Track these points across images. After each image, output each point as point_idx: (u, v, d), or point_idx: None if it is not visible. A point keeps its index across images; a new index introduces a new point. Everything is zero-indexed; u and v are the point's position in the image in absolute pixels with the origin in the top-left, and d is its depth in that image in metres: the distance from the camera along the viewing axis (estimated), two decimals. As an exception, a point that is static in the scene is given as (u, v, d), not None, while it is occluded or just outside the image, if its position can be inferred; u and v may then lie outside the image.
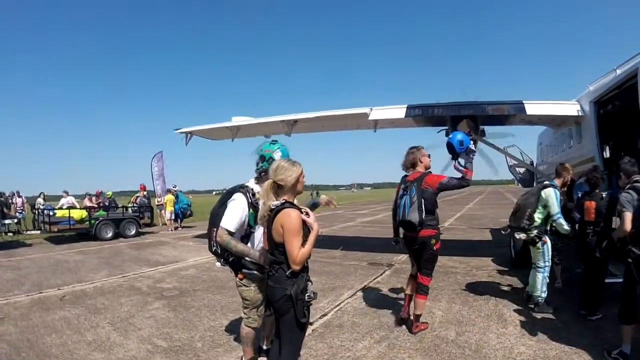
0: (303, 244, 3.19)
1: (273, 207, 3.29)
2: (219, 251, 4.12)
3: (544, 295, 6.38)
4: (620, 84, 7.71)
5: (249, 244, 4.08)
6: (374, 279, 8.80)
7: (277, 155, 4.07)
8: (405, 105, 10.13)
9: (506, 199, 44.49)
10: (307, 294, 3.26)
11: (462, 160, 5.97)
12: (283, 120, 11.71)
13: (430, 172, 5.82)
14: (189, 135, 13.50)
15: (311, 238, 3.26)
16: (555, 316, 6.18)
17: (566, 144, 10.94)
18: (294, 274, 3.22)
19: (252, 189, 4.14)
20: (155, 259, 12.15)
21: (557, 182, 6.46)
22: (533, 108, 9.47)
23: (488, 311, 6.60)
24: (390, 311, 6.63)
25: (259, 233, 4.09)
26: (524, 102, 9.47)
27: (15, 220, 17.88)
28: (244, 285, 4.18)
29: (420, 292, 5.74)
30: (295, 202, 3.42)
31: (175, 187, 22.85)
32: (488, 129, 11.30)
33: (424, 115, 10.34)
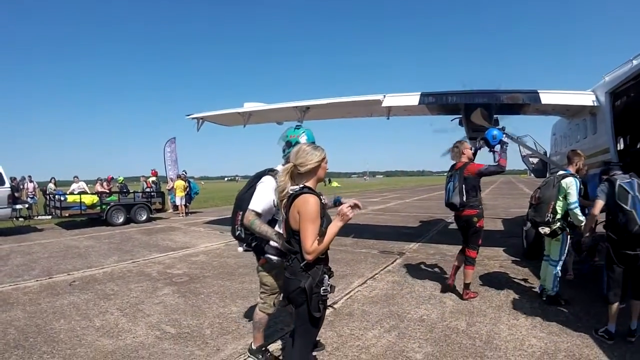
0: (323, 235, 3.01)
1: (291, 192, 3.14)
2: (243, 235, 4.10)
3: (557, 288, 6.31)
4: (637, 75, 7.60)
5: (276, 228, 4.01)
6: (385, 268, 8.74)
7: (303, 139, 4.04)
8: (419, 93, 10.04)
9: (518, 189, 44.28)
10: (323, 288, 3.08)
11: (496, 151, 7.06)
12: (296, 107, 11.63)
13: (472, 161, 6.95)
14: (201, 121, 13.44)
15: (332, 229, 3.03)
16: (566, 308, 6.11)
17: (580, 135, 10.82)
18: (308, 265, 3.05)
19: None
20: (166, 244, 12.18)
21: (571, 169, 6.36)
22: (548, 97, 9.36)
23: (499, 302, 6.54)
24: (401, 300, 6.59)
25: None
26: (539, 91, 9.35)
27: (27, 205, 17.98)
28: (265, 270, 4.16)
29: (468, 264, 6.77)
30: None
31: (185, 172, 22.87)
32: (502, 118, 11.21)
33: (438, 102, 10.30)
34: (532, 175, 14.24)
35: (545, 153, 13.29)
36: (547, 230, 6.18)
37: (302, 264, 3.05)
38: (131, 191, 19.82)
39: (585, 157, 6.65)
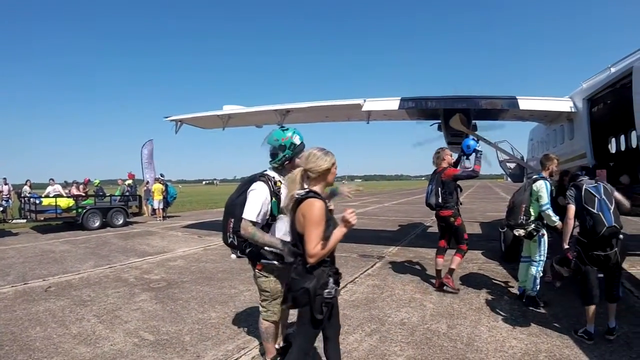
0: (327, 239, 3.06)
1: (297, 196, 3.17)
2: (236, 242, 4.03)
3: (537, 289, 6.39)
4: (615, 82, 7.79)
5: (277, 234, 3.99)
6: (365, 271, 8.73)
7: (297, 139, 3.98)
8: (399, 98, 10.12)
9: (495, 193, 44.90)
10: (327, 290, 3.11)
11: (471, 159, 7.78)
12: (275, 110, 11.59)
13: (450, 166, 7.58)
14: (179, 123, 13.27)
15: (337, 234, 3.08)
16: (546, 310, 6.20)
17: (558, 140, 11.03)
18: (313, 267, 3.10)
19: (273, 177, 4.01)
20: (143, 249, 12.02)
21: (544, 173, 6.50)
22: (526, 103, 9.55)
23: (479, 304, 6.61)
24: (382, 303, 6.59)
25: (280, 223, 4.03)
26: (517, 97, 9.53)
27: (1, 209, 17.64)
28: (263, 276, 4.09)
29: (459, 252, 7.38)
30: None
31: (162, 176, 22.67)
32: (480, 123, 11.36)
33: (417, 107, 10.40)
34: (509, 179, 14.43)
35: (522, 158, 13.47)
36: (522, 232, 6.37)
37: (307, 266, 3.08)
38: (107, 194, 19.48)
39: (562, 162, 6.75)
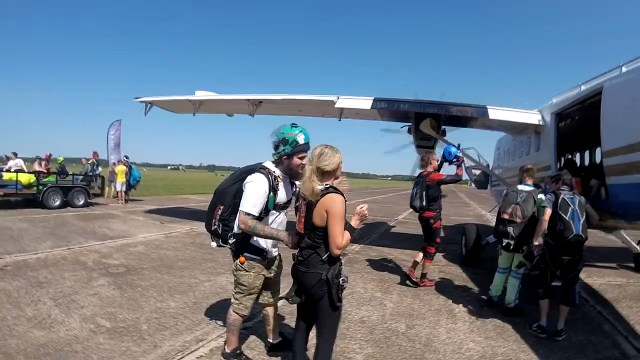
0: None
1: (317, 191, 3.27)
2: (220, 231, 4.05)
3: (517, 300, 6.48)
4: (584, 100, 7.99)
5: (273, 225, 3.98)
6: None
7: (301, 138, 3.92)
8: (372, 98, 10.19)
9: (459, 198, 45.40)
10: (342, 278, 3.35)
11: (454, 165, 8.22)
12: (248, 100, 11.51)
13: (435, 171, 8.02)
14: (149, 105, 13.01)
15: (355, 223, 3.37)
16: (503, 315, 6.32)
17: (524, 151, 11.27)
18: (331, 258, 3.30)
19: (273, 172, 3.97)
20: (103, 232, 11.80)
21: (530, 182, 6.58)
22: (496, 113, 9.77)
23: (438, 306, 6.73)
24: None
25: (272, 218, 4.02)
26: (487, 106, 9.72)
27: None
28: (244, 269, 4.05)
29: (427, 257, 7.84)
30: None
31: (127, 158, 22.32)
32: (450, 129, 11.53)
33: (389, 108, 10.52)
34: (474, 185, 14.69)
35: (488, 166, 13.72)
36: (526, 248, 6.31)
37: (324, 257, 3.30)
38: (70, 173, 18.91)
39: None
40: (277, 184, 3.94)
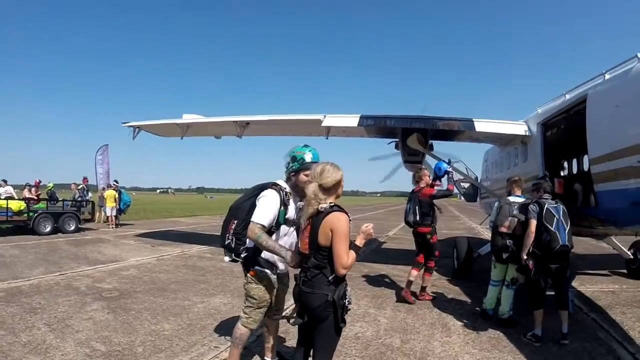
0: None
1: (321, 210, 3.26)
2: (233, 245, 4.06)
3: (511, 311, 6.55)
4: (569, 108, 8.11)
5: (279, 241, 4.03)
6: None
7: (308, 157, 4.06)
8: (359, 115, 10.28)
9: (449, 211, 45.43)
10: (347, 300, 3.29)
11: (444, 180, 8.50)
12: (235, 121, 11.61)
13: (427, 186, 8.13)
14: (137, 129, 13.09)
15: (360, 242, 3.31)
16: (497, 326, 6.38)
17: (512, 162, 11.38)
18: (337, 279, 3.23)
19: (285, 188, 4.11)
20: (95, 257, 11.76)
21: (519, 192, 6.74)
22: (482, 125, 9.85)
23: (432, 320, 6.75)
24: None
25: (282, 232, 4.11)
26: (473, 119, 9.82)
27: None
28: (254, 282, 4.12)
29: (427, 271, 8.10)
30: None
31: (117, 182, 22.25)
32: (437, 143, 11.63)
33: (376, 125, 10.60)
34: (463, 199, 14.77)
35: (476, 178, 13.84)
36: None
37: (330, 278, 3.20)
38: (60, 199, 18.94)
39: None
40: (288, 199, 4.06)
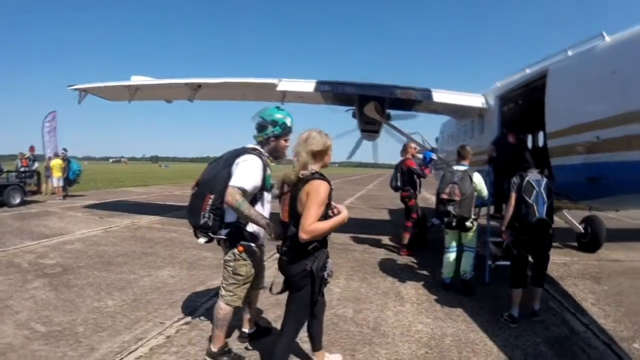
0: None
1: (302, 177, 3.18)
2: (210, 223, 3.80)
3: (473, 272, 6.71)
4: (529, 82, 8.15)
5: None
6: (273, 255, 8.58)
7: (289, 121, 3.96)
8: (315, 80, 10.12)
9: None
10: (327, 272, 3.34)
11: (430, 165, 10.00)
12: (187, 84, 11.18)
13: (410, 158, 9.51)
14: (83, 93, 12.36)
15: (337, 219, 3.26)
16: (451, 296, 6.45)
17: (467, 134, 11.48)
18: (316, 248, 3.23)
19: (264, 153, 3.94)
20: (40, 231, 11.27)
21: (467, 163, 6.89)
22: (440, 96, 9.88)
23: (385, 288, 6.79)
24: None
25: (265, 200, 3.99)
26: (431, 89, 9.81)
27: None
28: (242, 259, 3.92)
29: (405, 230, 9.46)
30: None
31: (65, 151, 21.30)
32: (394, 113, 11.60)
33: (333, 91, 10.47)
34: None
35: (432, 150, 13.96)
36: (469, 224, 6.54)
37: (309, 248, 3.21)
38: (5, 170, 17.92)
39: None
40: (268, 165, 3.91)
